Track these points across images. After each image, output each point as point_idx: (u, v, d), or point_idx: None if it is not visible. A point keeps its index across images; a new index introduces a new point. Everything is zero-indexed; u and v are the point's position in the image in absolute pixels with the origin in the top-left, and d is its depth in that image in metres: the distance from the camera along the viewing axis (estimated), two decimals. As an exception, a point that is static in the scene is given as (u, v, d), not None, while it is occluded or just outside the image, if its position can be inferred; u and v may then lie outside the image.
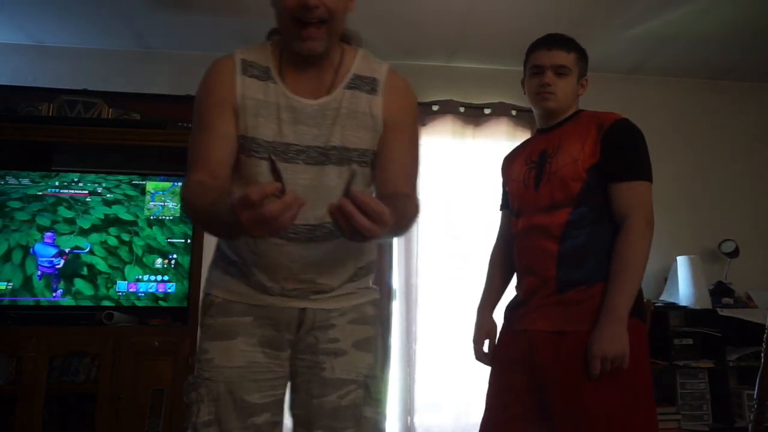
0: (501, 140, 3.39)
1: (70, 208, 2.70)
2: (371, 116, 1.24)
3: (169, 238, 2.72)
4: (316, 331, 1.25)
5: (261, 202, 0.86)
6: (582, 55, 1.71)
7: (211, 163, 1.17)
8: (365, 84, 1.25)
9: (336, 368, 1.23)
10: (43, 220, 2.67)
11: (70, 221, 2.69)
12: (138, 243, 2.70)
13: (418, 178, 1.31)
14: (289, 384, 1.28)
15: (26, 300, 2.63)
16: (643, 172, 1.57)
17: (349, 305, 1.29)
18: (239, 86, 1.20)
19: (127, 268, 2.67)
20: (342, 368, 1.23)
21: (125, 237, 2.70)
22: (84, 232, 2.68)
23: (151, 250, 2.69)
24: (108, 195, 2.74)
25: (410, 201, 1.21)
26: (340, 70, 1.24)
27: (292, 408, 1.27)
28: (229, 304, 1.25)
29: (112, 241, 2.69)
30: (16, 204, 2.68)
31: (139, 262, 2.68)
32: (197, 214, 1.15)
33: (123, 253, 2.68)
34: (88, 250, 2.68)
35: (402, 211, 1.11)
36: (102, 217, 2.70)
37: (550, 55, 1.66)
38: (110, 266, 2.67)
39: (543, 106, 1.69)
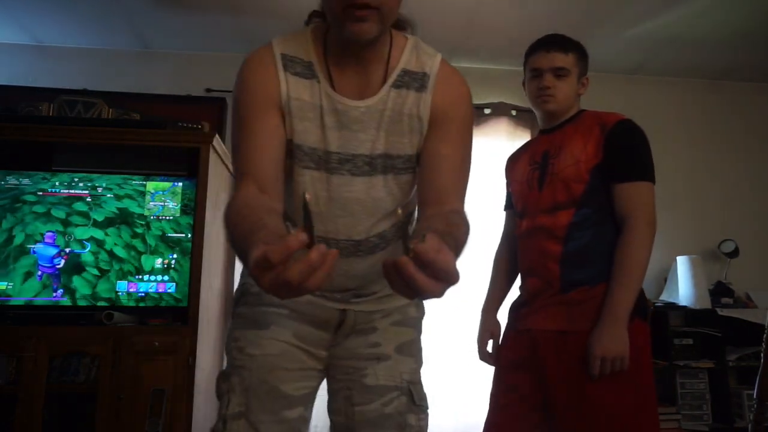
0: (501, 140, 3.39)
1: (82, 203, 2.72)
2: (418, 118, 1.10)
3: (176, 231, 2.72)
4: (356, 335, 1.20)
5: (284, 263, 0.67)
6: (581, 54, 1.70)
7: (259, 175, 1.02)
8: (414, 81, 1.10)
9: (379, 374, 1.17)
10: (59, 212, 2.69)
11: (85, 215, 2.70)
12: (154, 233, 2.71)
13: (467, 184, 1.14)
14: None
15: (26, 300, 2.63)
16: (646, 173, 1.58)
17: (394, 306, 1.23)
18: (284, 85, 1.07)
19: (143, 258, 2.69)
20: (385, 374, 1.17)
21: (139, 230, 2.71)
22: (99, 225, 2.70)
23: (164, 239, 2.70)
24: (109, 194, 2.74)
25: (462, 221, 1.00)
26: (389, 64, 1.10)
27: (330, 413, 1.21)
28: (266, 294, 1.11)
29: (127, 232, 2.71)
30: (31, 198, 2.69)
31: (154, 252, 2.69)
32: (230, 245, 0.97)
33: (138, 243, 2.70)
34: (87, 250, 2.68)
35: (457, 241, 0.90)
36: (115, 210, 2.72)
37: (548, 58, 1.66)
38: (124, 258, 2.68)
39: (543, 109, 1.70)
